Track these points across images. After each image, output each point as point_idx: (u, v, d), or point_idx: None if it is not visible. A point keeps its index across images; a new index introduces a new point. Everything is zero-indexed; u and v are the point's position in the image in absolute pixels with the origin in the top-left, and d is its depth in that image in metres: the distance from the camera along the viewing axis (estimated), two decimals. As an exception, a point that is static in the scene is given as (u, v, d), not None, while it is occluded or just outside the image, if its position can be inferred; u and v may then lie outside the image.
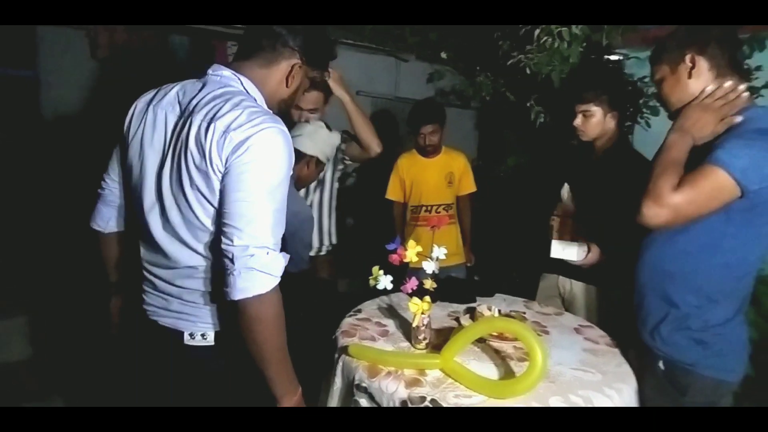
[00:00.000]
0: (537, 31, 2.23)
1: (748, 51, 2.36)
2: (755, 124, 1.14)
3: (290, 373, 1.05)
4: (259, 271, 0.93)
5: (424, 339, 1.37)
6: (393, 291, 1.42)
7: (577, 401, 1.16)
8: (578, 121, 1.88)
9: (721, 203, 1.13)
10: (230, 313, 1.03)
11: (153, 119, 1.07)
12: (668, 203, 1.13)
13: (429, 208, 2.67)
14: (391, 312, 1.65)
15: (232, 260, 0.93)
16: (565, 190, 1.69)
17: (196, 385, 1.12)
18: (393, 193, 2.76)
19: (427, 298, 1.35)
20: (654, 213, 1.14)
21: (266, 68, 1.10)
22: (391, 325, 1.56)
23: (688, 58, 1.25)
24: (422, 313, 1.35)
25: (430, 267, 1.38)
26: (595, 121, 1.85)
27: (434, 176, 2.67)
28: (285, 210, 1.01)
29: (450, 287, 1.84)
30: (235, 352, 1.06)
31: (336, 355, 1.39)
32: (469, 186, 2.74)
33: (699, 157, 1.17)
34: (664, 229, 1.15)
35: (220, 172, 0.96)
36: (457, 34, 3.43)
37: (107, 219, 1.26)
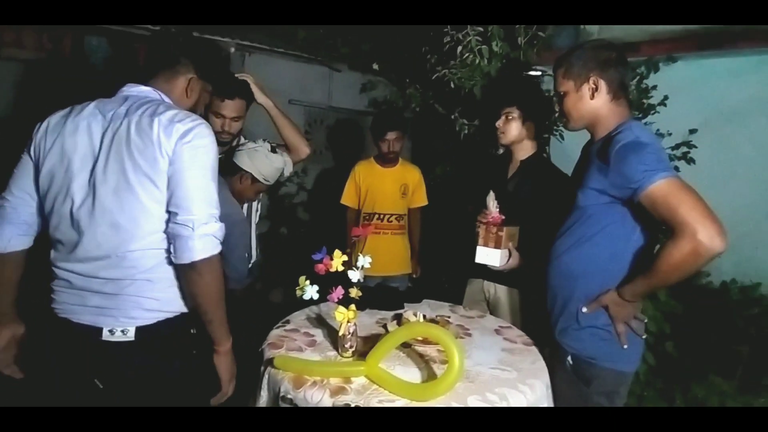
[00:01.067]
0: (459, 48, 2.35)
1: (645, 72, 2.62)
2: (637, 138, 1.27)
3: (226, 322, 1.24)
4: (212, 236, 1.13)
5: (351, 347, 1.40)
6: (323, 301, 1.44)
7: (493, 399, 1.23)
8: (500, 121, 1.99)
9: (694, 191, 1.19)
10: (152, 307, 1.14)
11: (74, 129, 1.16)
12: (701, 236, 1.12)
13: (382, 216, 2.72)
14: (319, 321, 1.66)
15: (192, 228, 1.10)
16: (491, 198, 1.79)
17: (115, 383, 1.14)
18: (348, 198, 2.80)
19: (353, 306, 1.37)
20: (711, 245, 1.13)
21: (169, 83, 1.26)
22: (319, 334, 1.57)
23: (592, 80, 1.37)
24: (348, 322, 1.37)
25: (355, 276, 1.41)
26: (515, 125, 1.97)
27: (389, 186, 2.73)
28: None
29: (378, 295, 1.88)
30: (154, 348, 1.14)
31: (262, 368, 1.38)
32: (421, 199, 2.83)
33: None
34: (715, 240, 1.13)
35: (168, 155, 1.11)
36: (387, 46, 3.52)
37: (8, 238, 1.23)
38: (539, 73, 2.94)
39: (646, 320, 1.41)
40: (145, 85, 1.24)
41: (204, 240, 1.11)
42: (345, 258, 1.41)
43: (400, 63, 3.40)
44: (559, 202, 1.90)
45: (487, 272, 1.97)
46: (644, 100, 2.57)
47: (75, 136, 1.15)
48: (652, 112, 2.53)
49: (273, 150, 1.88)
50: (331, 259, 1.41)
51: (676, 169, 2.47)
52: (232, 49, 3.17)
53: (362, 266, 1.43)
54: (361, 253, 1.45)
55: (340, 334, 1.39)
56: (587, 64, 1.37)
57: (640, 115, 2.51)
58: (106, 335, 1.12)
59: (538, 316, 1.87)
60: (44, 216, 1.22)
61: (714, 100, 2.81)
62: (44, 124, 1.21)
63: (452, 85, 2.45)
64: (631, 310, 1.34)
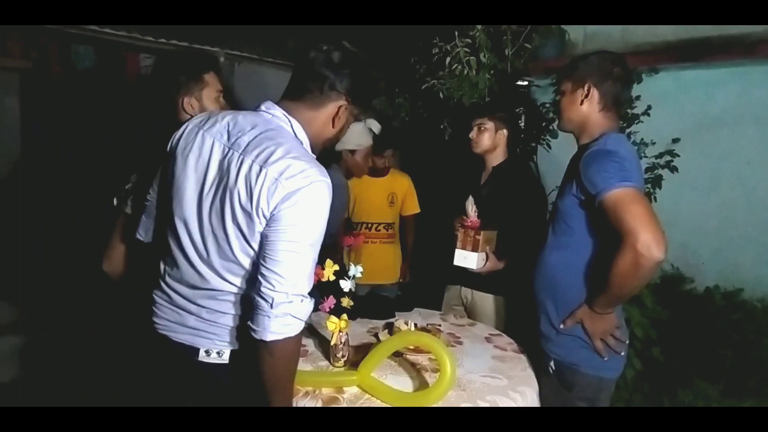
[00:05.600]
0: (448, 59, 2.39)
1: (628, 83, 2.68)
2: (605, 146, 1.31)
3: (291, 403, 1.11)
4: (293, 317, 1.00)
5: (343, 356, 1.40)
6: (315, 310, 1.44)
7: (484, 406, 1.25)
8: (473, 132, 2.08)
9: (646, 203, 1.23)
10: (247, 336, 1.05)
11: (201, 143, 1.09)
12: (639, 246, 1.15)
13: (369, 225, 2.74)
14: (310, 331, 1.65)
15: (270, 305, 0.98)
16: (470, 203, 1.84)
17: (207, 402, 1.12)
18: None
19: (344, 315, 1.38)
20: (649, 255, 1.15)
21: (314, 110, 1.10)
22: (310, 344, 1.57)
23: (586, 86, 1.39)
24: (340, 331, 1.37)
25: (346, 285, 1.42)
26: (487, 135, 2.05)
27: (377, 195, 2.74)
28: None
29: (370, 304, 1.89)
30: (247, 373, 1.08)
31: (254, 379, 1.38)
32: (412, 207, 2.84)
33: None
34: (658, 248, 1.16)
35: (265, 217, 0.99)
36: (376, 56, 3.54)
37: (147, 229, 1.26)
38: (526, 83, 2.99)
39: (627, 341, 1.42)
40: (284, 106, 1.10)
41: (282, 320, 0.98)
42: (336, 267, 1.42)
43: (390, 73, 3.43)
44: (530, 206, 1.96)
45: (464, 278, 2.03)
46: (628, 110, 2.63)
47: (199, 152, 1.08)
48: (636, 121, 2.59)
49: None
50: (323, 268, 1.42)
51: (660, 177, 2.54)
52: (222, 59, 3.18)
53: (354, 275, 1.44)
54: (352, 262, 1.46)
55: (332, 343, 1.39)
56: (588, 71, 1.40)
57: (625, 125, 2.57)
58: (202, 356, 1.10)
59: (517, 322, 1.92)
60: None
61: (695, 110, 2.89)
62: (183, 128, 1.14)
63: (441, 95, 2.49)
64: (606, 325, 1.35)
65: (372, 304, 1.91)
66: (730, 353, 2.35)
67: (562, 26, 2.88)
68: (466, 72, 2.39)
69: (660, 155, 2.62)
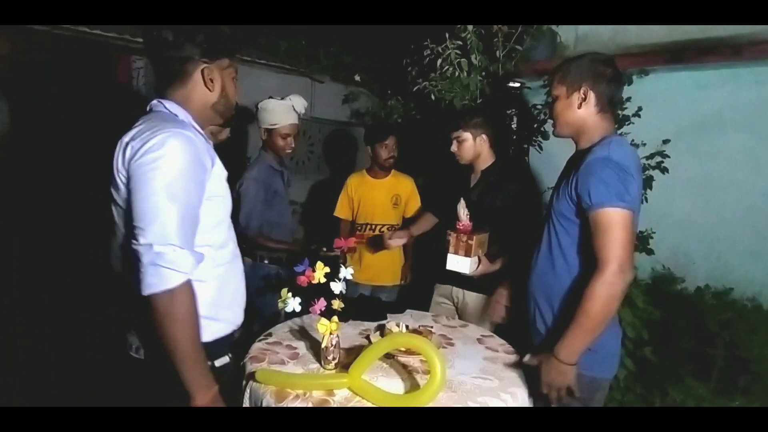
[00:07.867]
0: (439, 61, 2.39)
1: (619, 84, 2.70)
2: (609, 154, 1.30)
3: (203, 370, 1.04)
4: (165, 268, 0.96)
5: (334, 359, 1.40)
6: (306, 313, 1.43)
7: (475, 408, 1.24)
8: (453, 146, 2.08)
9: (632, 230, 1.26)
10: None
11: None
12: (611, 277, 1.22)
13: (374, 227, 2.73)
14: (302, 334, 1.65)
15: (139, 258, 0.97)
16: (461, 206, 1.84)
17: (134, 396, 1.18)
18: (341, 211, 2.82)
19: (335, 318, 1.37)
20: (612, 282, 1.23)
21: (184, 86, 1.17)
22: (301, 347, 1.56)
23: (582, 90, 1.39)
24: (331, 334, 1.37)
25: (337, 287, 1.41)
26: (467, 145, 2.05)
27: (380, 197, 2.74)
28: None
29: (361, 306, 1.88)
30: (163, 372, 1.06)
31: (244, 382, 1.37)
32: (416, 209, 2.83)
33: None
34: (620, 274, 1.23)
35: (125, 177, 1.04)
36: (369, 58, 3.56)
37: None
38: (518, 84, 3.00)
39: (575, 400, 1.35)
40: (162, 95, 1.17)
41: (154, 271, 0.96)
42: (327, 270, 1.42)
43: (382, 75, 3.44)
44: (520, 207, 1.97)
45: (456, 278, 2.03)
46: (619, 112, 2.64)
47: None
48: (627, 123, 2.60)
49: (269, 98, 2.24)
50: (313, 271, 1.41)
51: (650, 178, 2.55)
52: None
53: (344, 278, 1.43)
54: (351, 264, 1.46)
55: (323, 346, 1.39)
56: (582, 74, 1.40)
57: (616, 126, 2.58)
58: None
59: (509, 323, 1.92)
60: None
61: (685, 112, 2.90)
62: None
63: (432, 97, 2.50)
64: (561, 378, 1.30)
65: (364, 306, 1.91)
66: (721, 352, 2.37)
67: (554, 28, 2.90)
68: (457, 74, 2.39)
69: (650, 156, 2.63)
